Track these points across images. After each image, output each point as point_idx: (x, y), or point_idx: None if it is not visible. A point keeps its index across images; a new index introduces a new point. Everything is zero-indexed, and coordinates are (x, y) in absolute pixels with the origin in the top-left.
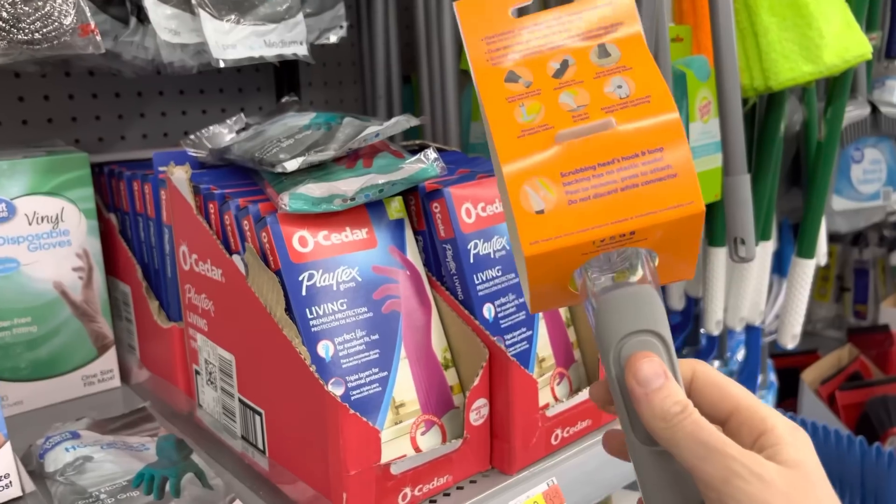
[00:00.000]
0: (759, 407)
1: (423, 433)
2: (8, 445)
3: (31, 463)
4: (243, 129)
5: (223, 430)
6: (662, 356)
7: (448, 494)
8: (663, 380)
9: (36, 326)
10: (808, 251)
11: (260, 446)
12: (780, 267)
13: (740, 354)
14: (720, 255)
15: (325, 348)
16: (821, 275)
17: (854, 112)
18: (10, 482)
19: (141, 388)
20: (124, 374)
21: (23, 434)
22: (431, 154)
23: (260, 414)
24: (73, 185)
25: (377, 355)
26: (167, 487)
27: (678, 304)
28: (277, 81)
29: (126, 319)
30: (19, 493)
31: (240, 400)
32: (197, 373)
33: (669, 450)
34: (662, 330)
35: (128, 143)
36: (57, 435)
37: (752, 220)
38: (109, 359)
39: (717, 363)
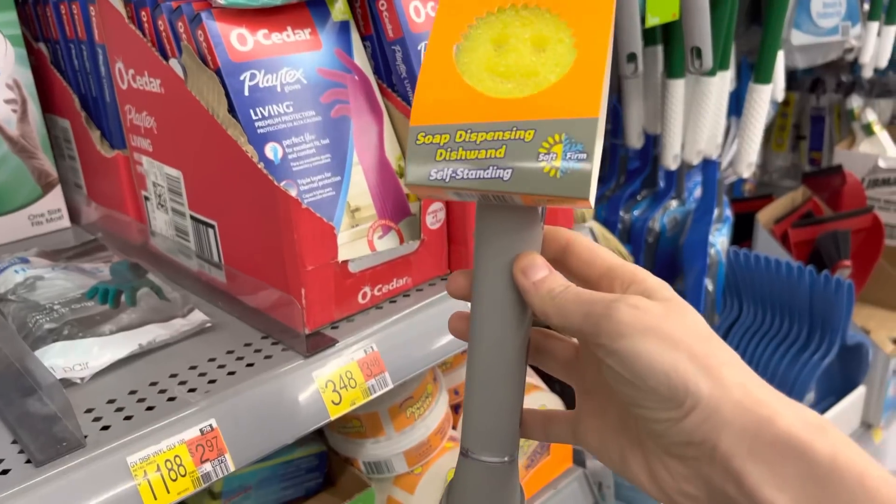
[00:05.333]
0: (630, 265)
1: (380, 237)
2: None
3: None
4: None
5: (178, 252)
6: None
7: (408, 295)
8: (547, 271)
9: None
10: (765, 76)
11: (215, 260)
12: (738, 108)
13: (697, 193)
14: (679, 86)
15: (273, 150)
16: (778, 124)
17: None
18: None
19: (92, 227)
20: (74, 216)
21: None
22: None
23: (213, 226)
24: None
25: (328, 160)
26: (122, 299)
27: (637, 142)
28: None
29: (69, 157)
30: None
31: (191, 217)
32: (146, 199)
33: (559, 322)
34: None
35: None
36: (5, 262)
37: (708, 27)
38: (56, 197)
39: (675, 202)
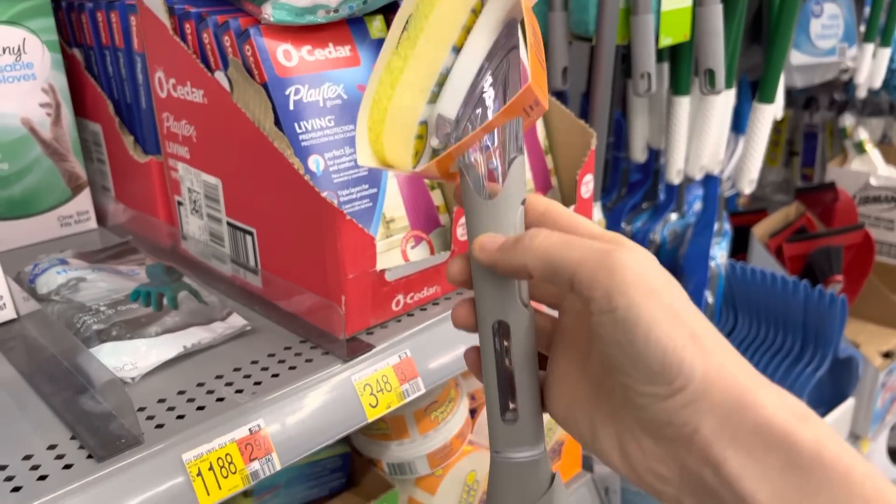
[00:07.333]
0: (612, 233)
1: (412, 247)
2: None
3: (23, 288)
4: None
5: (211, 256)
6: None
7: (437, 303)
8: (502, 238)
9: (7, 164)
10: (768, 96)
11: (252, 266)
12: (737, 124)
13: (696, 206)
14: (684, 103)
15: (315, 163)
16: (771, 139)
17: None
18: (4, 304)
19: (119, 229)
20: (100, 217)
21: (6, 269)
22: None
23: (251, 233)
24: (32, 15)
25: (366, 172)
26: (164, 301)
27: (641, 156)
28: None
29: (98, 161)
30: (13, 316)
31: (228, 223)
32: (180, 203)
33: (548, 272)
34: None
35: None
36: (45, 262)
37: (722, 50)
38: (84, 199)
39: (674, 216)
